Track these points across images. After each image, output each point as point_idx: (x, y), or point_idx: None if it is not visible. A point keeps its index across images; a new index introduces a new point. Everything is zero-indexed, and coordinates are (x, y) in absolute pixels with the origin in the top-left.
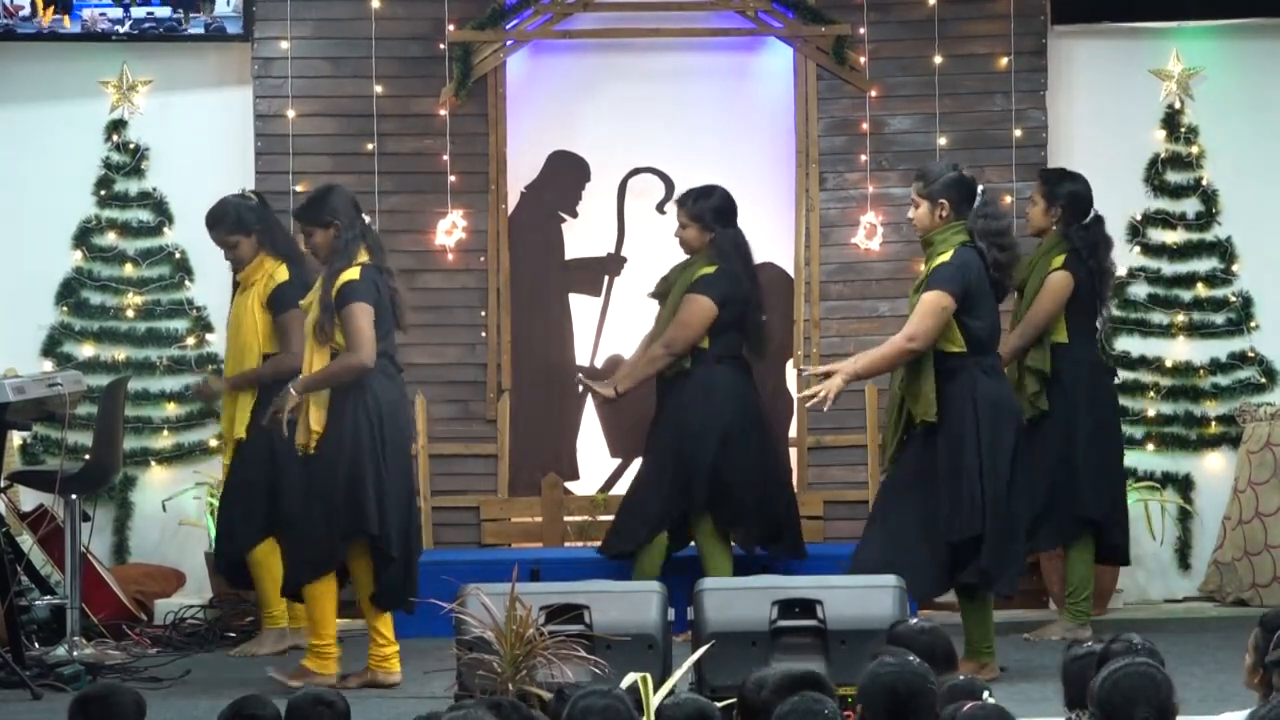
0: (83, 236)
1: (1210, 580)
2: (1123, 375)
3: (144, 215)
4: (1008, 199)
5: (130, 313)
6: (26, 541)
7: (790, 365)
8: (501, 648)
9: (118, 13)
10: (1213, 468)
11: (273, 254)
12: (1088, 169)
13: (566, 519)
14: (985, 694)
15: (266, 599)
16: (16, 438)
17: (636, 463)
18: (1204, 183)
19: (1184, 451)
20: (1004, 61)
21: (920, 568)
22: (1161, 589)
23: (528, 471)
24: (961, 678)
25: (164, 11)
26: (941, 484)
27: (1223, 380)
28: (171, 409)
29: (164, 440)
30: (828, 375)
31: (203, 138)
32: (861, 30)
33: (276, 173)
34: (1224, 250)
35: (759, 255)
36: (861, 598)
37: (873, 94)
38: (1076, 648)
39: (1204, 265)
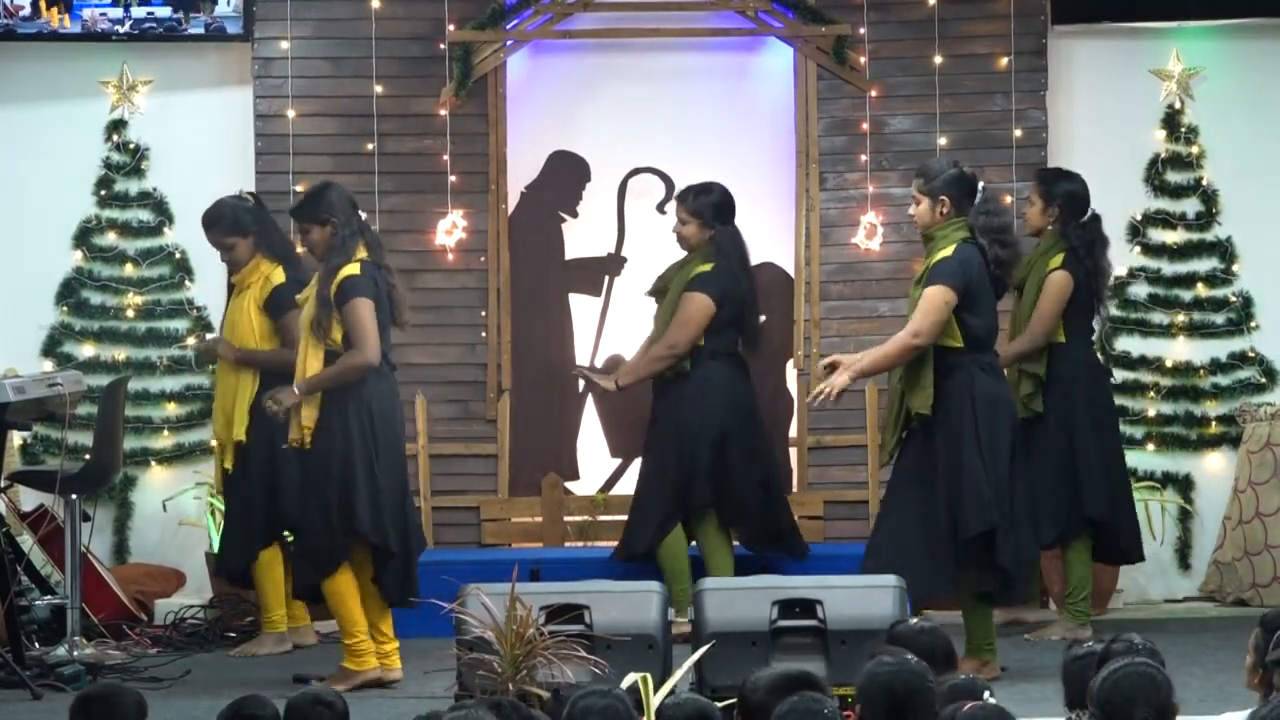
0: (83, 236)
1: (1210, 580)
2: (1123, 375)
3: (144, 215)
4: (1008, 199)
5: (130, 313)
6: (27, 541)
7: (790, 365)
8: (501, 648)
9: (118, 13)
10: (1213, 468)
11: (269, 256)
12: (1088, 169)
13: (566, 519)
14: (985, 694)
15: (267, 603)
16: (16, 438)
17: (637, 463)
18: (1204, 183)
19: (1184, 451)
20: (1004, 61)
21: (919, 569)
22: (1161, 589)
23: (528, 471)
24: (962, 677)
25: (164, 11)
26: (941, 483)
27: (1223, 380)
28: (171, 409)
29: (164, 440)
30: (833, 367)
31: (203, 138)
32: (861, 30)
33: (276, 173)
34: (1224, 250)
35: (759, 255)
36: (861, 598)
37: (873, 94)
38: (1077, 648)
39: (1204, 265)
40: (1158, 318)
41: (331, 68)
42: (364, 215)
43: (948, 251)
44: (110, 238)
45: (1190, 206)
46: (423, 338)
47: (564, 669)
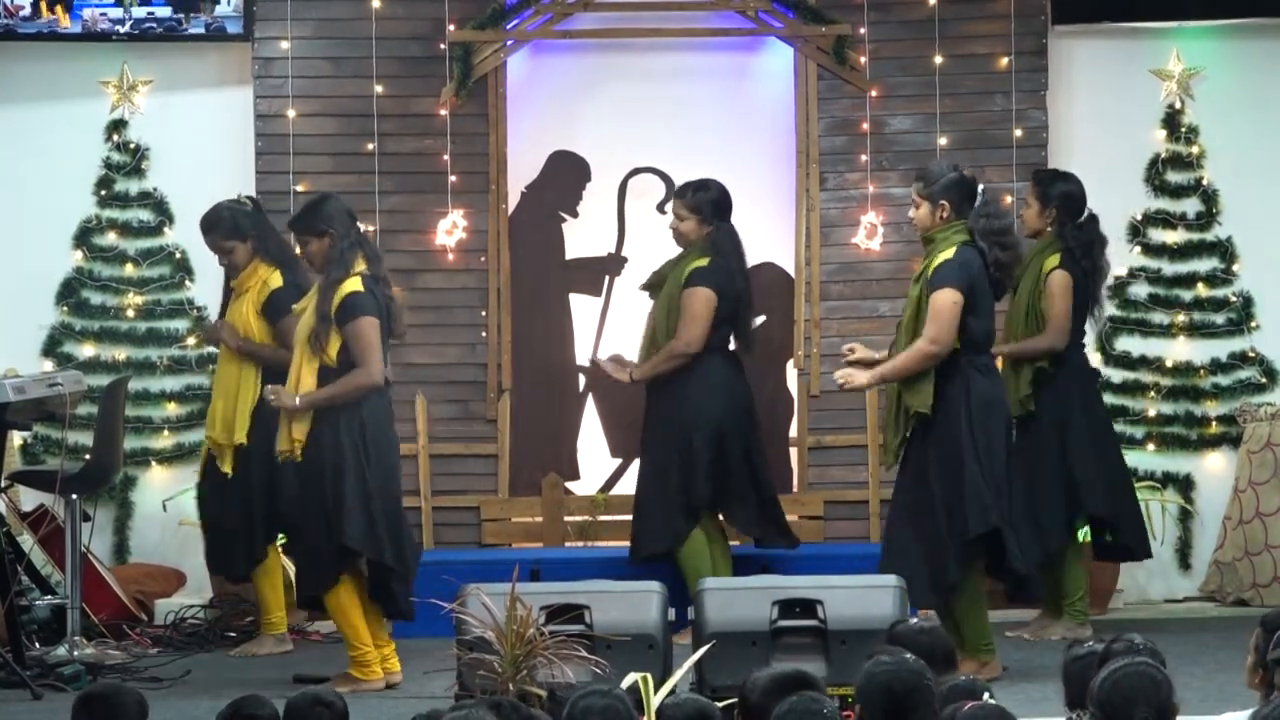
0: (83, 236)
1: (1211, 580)
2: (1122, 375)
3: (144, 215)
4: (1008, 199)
5: (130, 313)
6: (27, 541)
7: (790, 365)
8: (502, 648)
9: (118, 13)
10: (1213, 468)
11: (267, 260)
12: (1088, 169)
13: (567, 519)
14: (985, 694)
15: (266, 605)
16: (17, 438)
17: (637, 463)
18: (1204, 183)
19: (1184, 451)
20: (1004, 61)
21: (916, 574)
22: (1162, 589)
23: (528, 471)
24: (962, 678)
25: (164, 11)
26: (939, 486)
27: (1223, 380)
28: (171, 409)
29: (164, 440)
30: (855, 362)
31: (203, 138)
32: (862, 30)
33: (277, 173)
34: (1224, 250)
35: (759, 255)
36: (861, 598)
37: (873, 94)
38: (1077, 648)
39: (1204, 265)
40: (1158, 318)
41: (332, 68)
42: (363, 227)
43: (948, 254)
44: (110, 238)
45: (1190, 206)
46: (423, 338)
47: (564, 669)
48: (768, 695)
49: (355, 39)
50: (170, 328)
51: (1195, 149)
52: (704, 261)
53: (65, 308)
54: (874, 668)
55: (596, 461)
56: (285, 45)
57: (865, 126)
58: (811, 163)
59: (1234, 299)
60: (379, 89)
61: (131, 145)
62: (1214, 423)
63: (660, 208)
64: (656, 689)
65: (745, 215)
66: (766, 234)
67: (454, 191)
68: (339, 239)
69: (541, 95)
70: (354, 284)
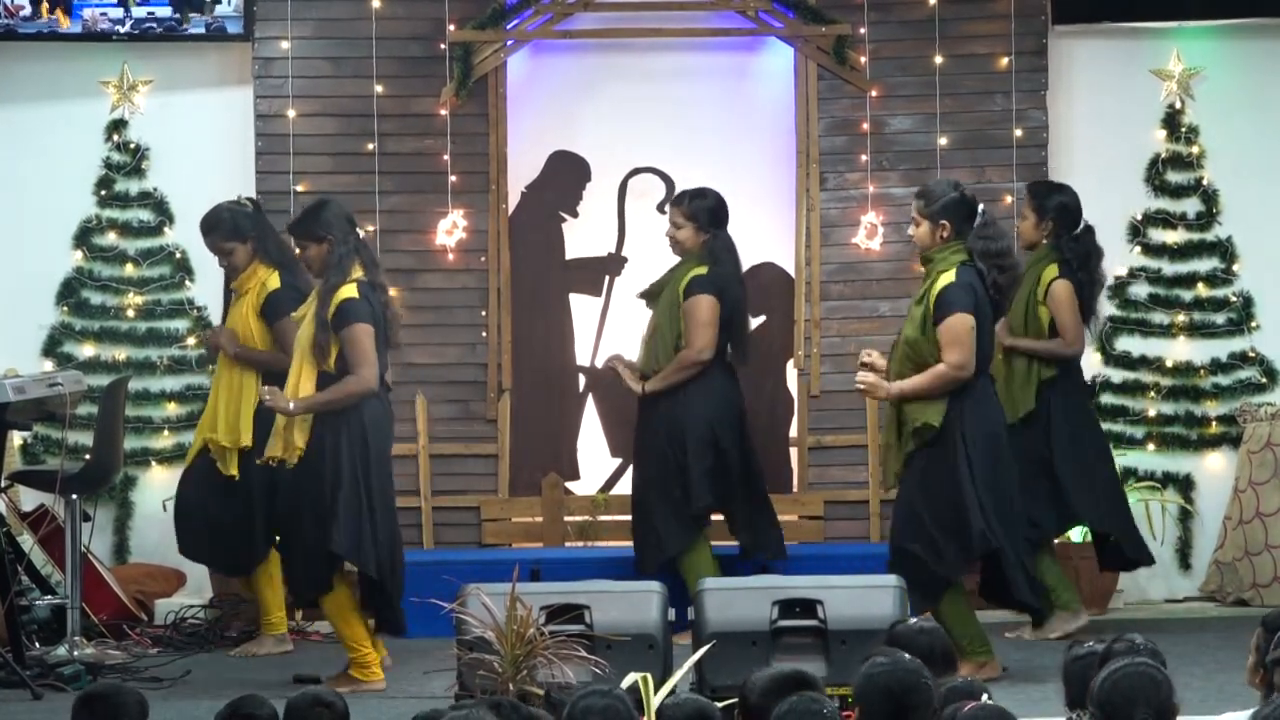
0: (83, 236)
1: (1211, 580)
2: (1122, 375)
3: (144, 215)
4: (1008, 199)
5: (130, 313)
6: (27, 541)
7: (790, 365)
8: (502, 648)
9: (118, 13)
10: (1213, 468)
11: (266, 261)
12: (1088, 169)
13: (567, 519)
14: (984, 695)
15: (267, 605)
16: (17, 438)
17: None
18: (1204, 183)
19: (1184, 451)
20: (1004, 61)
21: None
22: (1162, 589)
23: (528, 471)
24: (961, 679)
25: (164, 11)
26: (934, 502)
27: (1223, 380)
28: (171, 409)
29: (164, 440)
30: (871, 368)
31: (203, 138)
32: (862, 30)
33: (277, 173)
34: (1224, 250)
35: (759, 255)
36: (862, 598)
37: (873, 94)
38: (1077, 648)
39: (1204, 265)
40: (1158, 318)
41: (332, 68)
42: (363, 228)
43: (949, 278)
44: (110, 238)
45: (1190, 206)
46: (423, 338)
47: (564, 669)
48: (767, 695)
49: (355, 39)
50: (170, 328)
51: (1195, 149)
52: (703, 269)
53: (65, 308)
54: (871, 669)
55: (596, 461)
56: (285, 45)
57: (865, 126)
58: (811, 163)
59: (1234, 299)
60: (379, 89)
61: (131, 145)
62: (1214, 423)
63: (660, 208)
64: (656, 689)
65: (745, 215)
66: (766, 234)
67: (454, 191)
68: (337, 245)
69: (541, 95)
70: (349, 290)
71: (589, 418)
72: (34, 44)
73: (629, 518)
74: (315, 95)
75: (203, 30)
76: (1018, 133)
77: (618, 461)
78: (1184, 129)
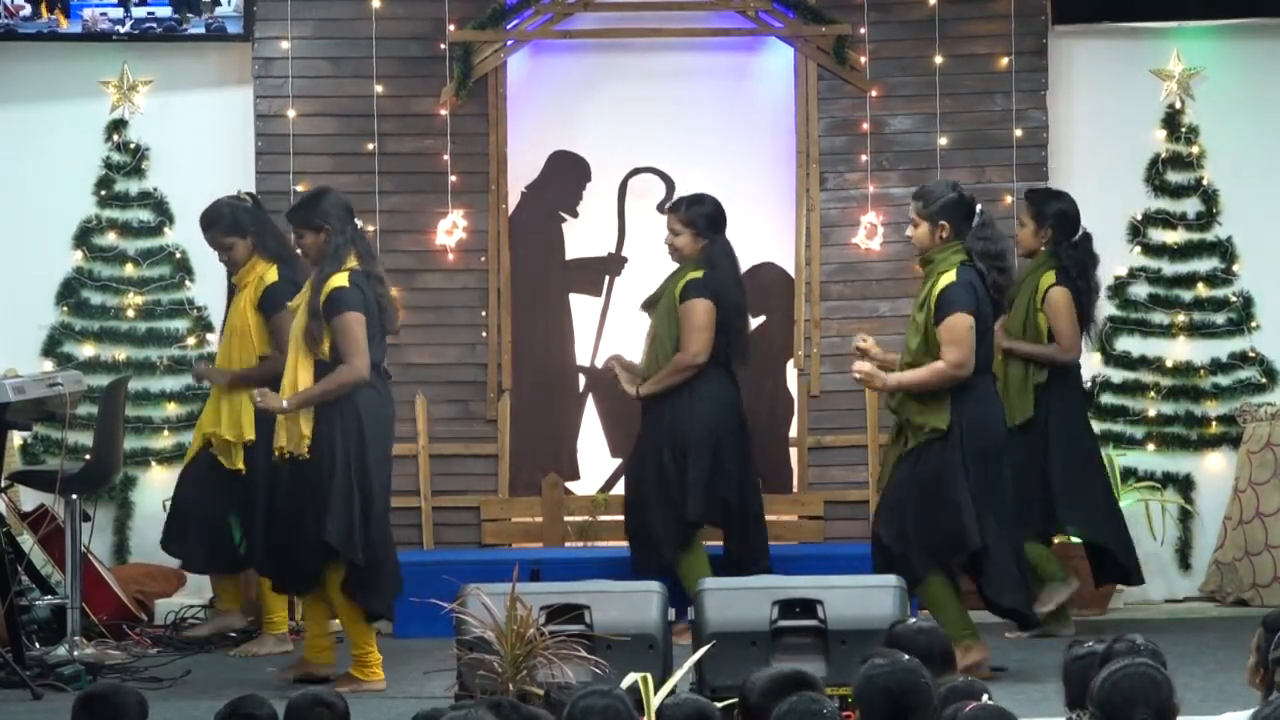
0: (83, 236)
1: (1211, 580)
2: (1122, 375)
3: (144, 215)
4: (1008, 199)
5: (130, 313)
6: (27, 541)
7: (790, 365)
8: (502, 648)
9: (118, 13)
10: (1213, 468)
11: (265, 256)
12: (1088, 169)
13: (567, 519)
14: (985, 695)
15: (268, 605)
16: (17, 438)
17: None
18: (1204, 183)
19: (1184, 451)
20: (1004, 61)
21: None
22: (1162, 589)
23: (528, 471)
24: (961, 679)
25: (164, 11)
26: (925, 499)
27: (1223, 380)
28: (171, 409)
29: (164, 440)
30: (865, 354)
31: (203, 138)
32: (862, 30)
33: (276, 173)
34: (1224, 250)
35: (759, 255)
36: (861, 598)
37: (873, 94)
38: (1077, 648)
39: (1204, 265)
40: (1158, 318)
41: (331, 68)
42: (360, 223)
43: (950, 277)
44: (110, 238)
45: (1190, 206)
46: (423, 338)
47: (564, 669)
48: (767, 695)
49: (355, 39)
50: (170, 328)
51: (1195, 149)
52: (699, 273)
53: (65, 308)
54: (870, 670)
55: (596, 461)
56: (285, 45)
57: (865, 126)
58: (811, 163)
59: (1234, 299)
60: (379, 89)
61: (131, 145)
62: (1214, 423)
63: (660, 208)
64: (656, 689)
65: (745, 215)
66: (766, 234)
67: (454, 191)
68: (334, 235)
69: (541, 95)
70: (340, 279)
71: (589, 418)
72: (34, 44)
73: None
74: (315, 95)
75: (203, 30)
76: (1018, 133)
77: (618, 462)
78: (1184, 129)
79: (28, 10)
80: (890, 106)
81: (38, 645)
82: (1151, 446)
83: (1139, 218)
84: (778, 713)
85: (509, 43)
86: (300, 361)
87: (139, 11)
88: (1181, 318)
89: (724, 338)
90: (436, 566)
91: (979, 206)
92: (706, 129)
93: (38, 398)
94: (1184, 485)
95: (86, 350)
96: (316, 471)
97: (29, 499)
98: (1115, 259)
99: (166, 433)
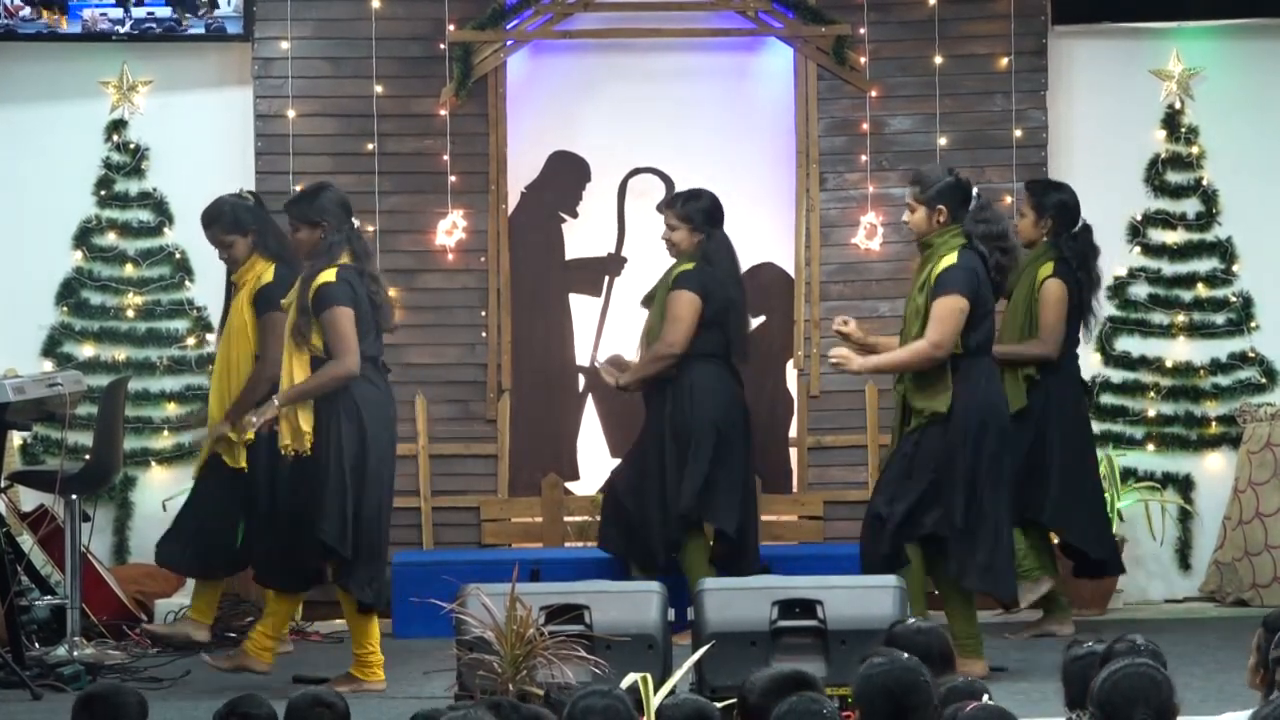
0: (83, 236)
1: (1210, 580)
2: (1122, 375)
3: (144, 215)
4: (1008, 199)
5: (130, 313)
6: (26, 541)
7: (790, 365)
8: (501, 648)
9: (118, 13)
10: (1213, 468)
11: (265, 255)
12: (1088, 169)
13: (566, 519)
14: (985, 695)
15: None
16: (16, 438)
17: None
18: (1204, 183)
19: (1184, 451)
20: (1004, 61)
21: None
22: (1162, 589)
23: (528, 471)
24: (961, 679)
25: (164, 11)
26: (913, 477)
27: (1223, 380)
28: (171, 409)
29: (164, 440)
30: (846, 337)
31: (203, 138)
32: (861, 30)
33: (276, 173)
34: (1224, 250)
35: (759, 255)
36: (861, 598)
37: (873, 94)
38: (1077, 648)
39: (1204, 265)
40: (1158, 318)
41: (331, 68)
42: (358, 222)
43: (951, 259)
44: (110, 238)
45: (1190, 206)
46: (423, 338)
47: (564, 669)
48: (767, 696)
49: (355, 39)
50: (170, 328)
51: (1195, 149)
52: (689, 266)
53: (65, 308)
54: (869, 670)
55: (596, 461)
56: (285, 45)
57: (865, 127)
58: (811, 163)
59: (1234, 299)
60: (379, 89)
61: (131, 145)
62: (1214, 423)
63: (660, 208)
64: (656, 689)
65: (745, 215)
66: (766, 234)
67: (454, 191)
68: (330, 232)
69: (541, 95)
70: (328, 275)
71: (589, 418)
72: (33, 44)
73: None
74: (315, 95)
75: (202, 30)
76: (1017, 133)
77: (617, 462)
78: (1184, 129)
79: (27, 11)
80: (890, 107)
81: (37, 645)
82: (1151, 447)
83: (1139, 218)
84: (778, 713)
85: (509, 43)
86: (295, 358)
87: (138, 12)
88: (1181, 318)
89: (720, 332)
90: (436, 566)
91: (975, 190)
92: (706, 129)
93: (38, 398)
94: (1184, 485)
95: (86, 350)
96: (318, 469)
97: (29, 499)
98: (1115, 259)
99: (166, 433)
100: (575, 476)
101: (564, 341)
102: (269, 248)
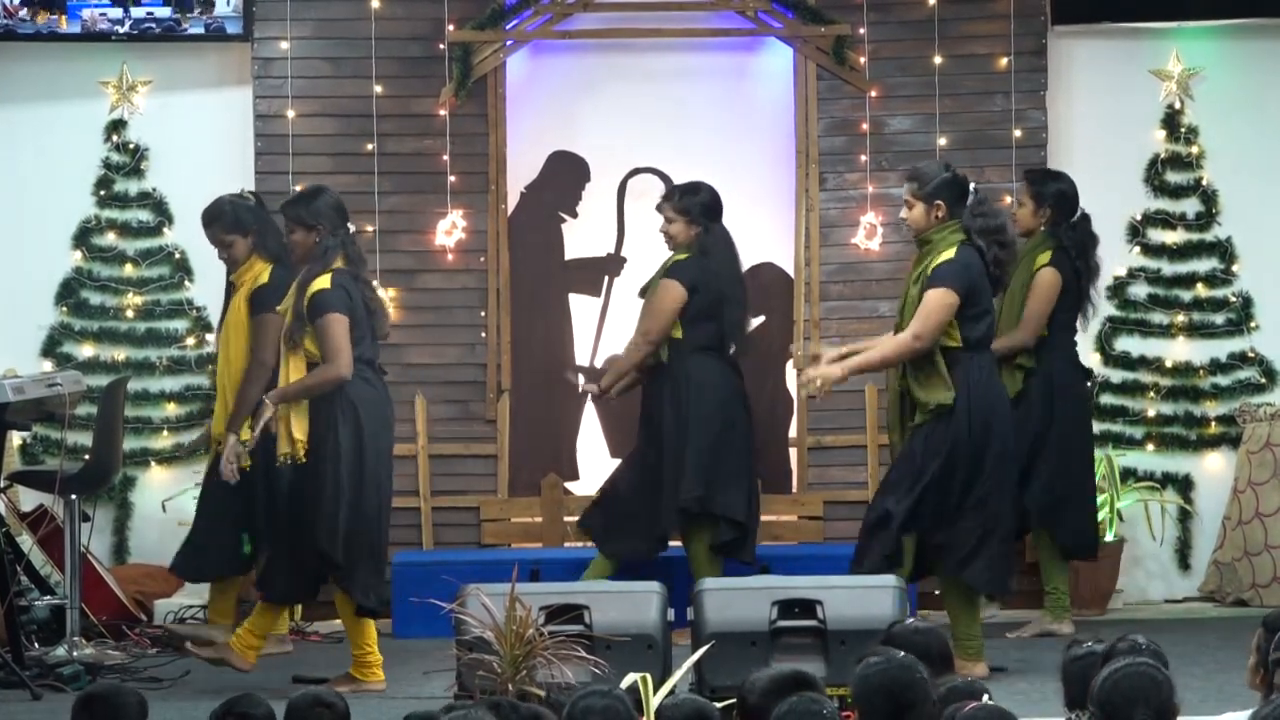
0: (83, 236)
1: (1210, 580)
2: (1122, 375)
3: (144, 215)
4: (1007, 199)
5: (130, 313)
6: (26, 541)
7: (790, 365)
8: (501, 648)
9: (117, 13)
10: (1213, 468)
11: (264, 256)
12: (1088, 169)
13: (566, 519)
14: (985, 695)
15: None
16: (16, 438)
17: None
18: (1204, 183)
19: (1184, 451)
20: (1004, 61)
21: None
22: (1161, 589)
23: (528, 471)
24: (960, 679)
25: (164, 11)
26: (914, 477)
27: (1223, 380)
28: (171, 409)
29: (164, 440)
30: (816, 359)
31: (203, 138)
32: (861, 30)
33: (276, 173)
34: (1224, 250)
35: (759, 255)
36: (861, 598)
37: (873, 94)
38: (1077, 648)
39: (1204, 265)
40: (1158, 318)
41: (331, 68)
42: (354, 226)
43: (949, 254)
44: (110, 238)
45: (1190, 206)
46: (422, 338)
47: (564, 669)
48: (767, 696)
49: (355, 39)
50: (170, 328)
51: (1195, 149)
52: (683, 257)
53: (65, 308)
54: (866, 669)
55: (596, 461)
56: (285, 45)
57: (865, 127)
58: (811, 163)
59: (1234, 299)
60: (379, 89)
61: (131, 145)
62: (1213, 423)
63: (659, 208)
64: (656, 689)
65: (744, 215)
66: (766, 234)
67: (453, 191)
68: (325, 236)
69: (541, 95)
70: (322, 282)
71: (589, 418)
72: (33, 44)
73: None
74: (315, 95)
75: (202, 30)
76: (1017, 133)
77: (617, 461)
78: (1183, 129)
79: (25, 13)
80: (890, 107)
81: (37, 645)
82: (1151, 447)
83: (1138, 218)
84: (777, 713)
85: (508, 43)
86: (291, 363)
87: (138, 12)
88: (1181, 318)
89: (715, 325)
90: (436, 567)
91: (973, 185)
92: (706, 129)
93: (37, 398)
94: (1183, 485)
95: (86, 350)
96: (314, 475)
97: (28, 499)
98: (1115, 259)
99: (166, 433)
100: (575, 476)
101: (564, 342)
102: (269, 248)
